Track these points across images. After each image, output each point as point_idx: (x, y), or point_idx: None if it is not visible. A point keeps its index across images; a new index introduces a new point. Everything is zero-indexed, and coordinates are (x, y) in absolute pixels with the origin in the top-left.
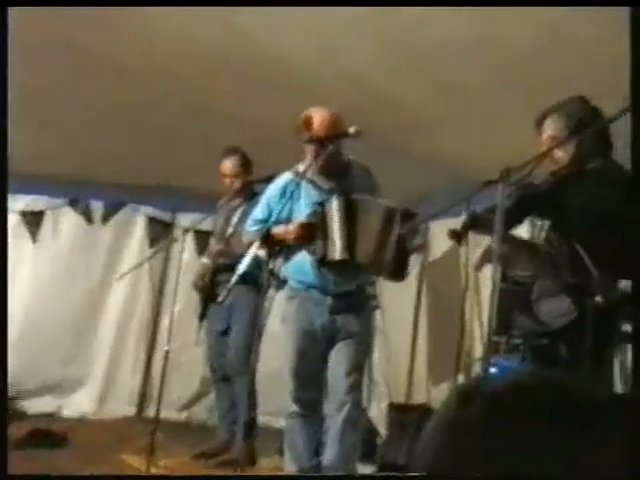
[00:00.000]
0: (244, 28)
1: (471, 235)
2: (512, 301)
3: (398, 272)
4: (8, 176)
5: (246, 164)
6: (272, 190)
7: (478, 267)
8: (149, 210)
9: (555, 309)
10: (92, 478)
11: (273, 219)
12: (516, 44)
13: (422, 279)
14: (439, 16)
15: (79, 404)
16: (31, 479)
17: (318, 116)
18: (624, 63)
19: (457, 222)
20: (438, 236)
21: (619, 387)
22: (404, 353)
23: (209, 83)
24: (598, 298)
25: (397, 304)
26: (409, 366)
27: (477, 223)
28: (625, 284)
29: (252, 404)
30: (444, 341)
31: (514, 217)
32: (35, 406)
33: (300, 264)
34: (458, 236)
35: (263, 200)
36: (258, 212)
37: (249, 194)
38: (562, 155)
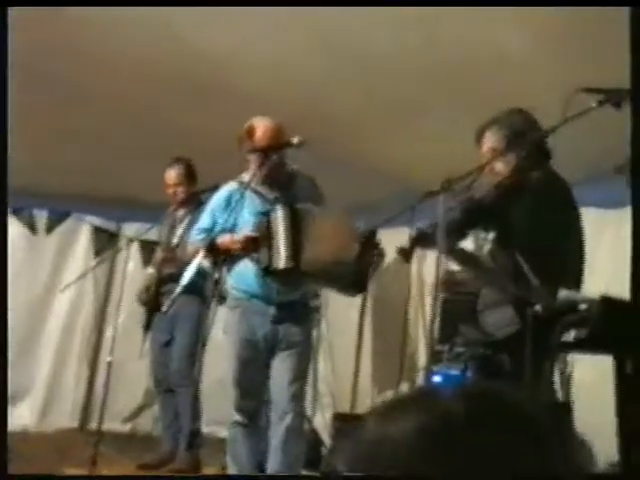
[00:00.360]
0: (187, 37)
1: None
2: (456, 311)
3: (357, 285)
4: (7, 178)
5: (190, 173)
6: (217, 199)
7: (408, 253)
8: (94, 220)
9: (499, 320)
10: (92, 478)
11: (218, 228)
12: (459, 59)
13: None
14: (386, 30)
15: (20, 417)
16: (31, 479)
17: (261, 126)
18: (561, 79)
19: (402, 231)
20: (384, 246)
21: (560, 395)
22: (349, 363)
23: (153, 93)
24: (538, 308)
25: (342, 313)
26: (354, 375)
27: (424, 239)
28: (564, 294)
29: (196, 414)
30: (389, 350)
31: (459, 230)
32: None
33: (244, 274)
34: (406, 253)
35: (208, 209)
36: (203, 221)
37: (195, 204)
38: (502, 167)
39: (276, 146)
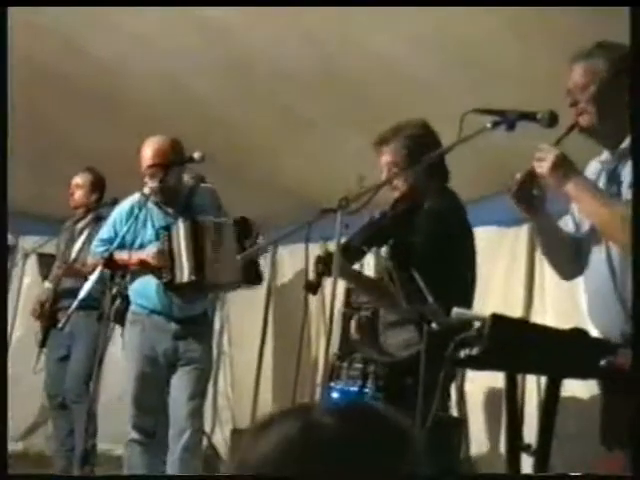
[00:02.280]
0: (88, 50)
1: None
2: (357, 328)
3: (253, 278)
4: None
5: (96, 182)
6: (119, 211)
7: (314, 286)
8: None
9: (401, 341)
10: (92, 478)
11: (119, 240)
12: (351, 73)
13: (268, 304)
14: (283, 49)
15: None
16: (31, 479)
17: (147, 146)
18: (456, 97)
19: (299, 247)
20: (284, 261)
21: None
22: (249, 378)
23: (53, 105)
24: (434, 325)
25: (244, 329)
26: (254, 390)
27: (327, 269)
28: (457, 311)
29: (91, 432)
30: (290, 366)
31: (358, 249)
32: None
33: (143, 288)
34: (312, 286)
35: (110, 220)
36: (104, 232)
37: (94, 217)
38: (401, 183)
39: (165, 163)
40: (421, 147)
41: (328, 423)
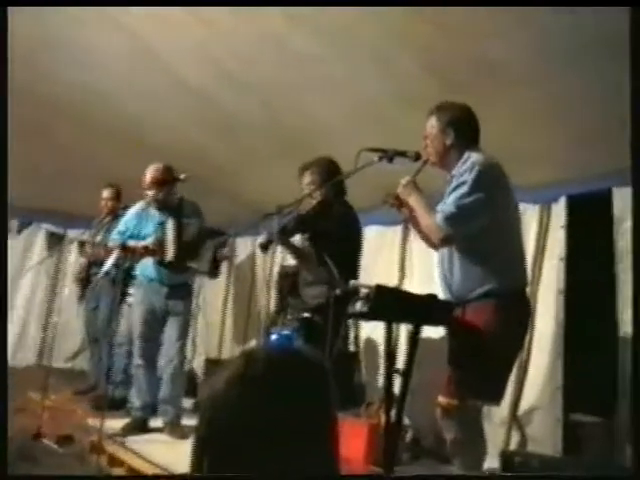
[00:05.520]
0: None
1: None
2: (287, 288)
3: (213, 272)
4: (8, 180)
5: (117, 194)
6: (129, 214)
7: (265, 247)
8: (48, 227)
9: (314, 294)
10: (92, 478)
11: (129, 233)
12: (288, 125)
13: (230, 275)
14: (246, 102)
15: None
16: (31, 479)
17: (148, 171)
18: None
19: (251, 238)
20: (240, 248)
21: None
22: (217, 325)
23: (88, 141)
24: (337, 291)
25: (213, 292)
26: (219, 333)
27: (272, 238)
28: (353, 282)
29: (112, 357)
30: (243, 316)
31: (290, 232)
32: None
33: (146, 265)
34: (264, 247)
35: (123, 219)
36: (119, 227)
37: (113, 217)
38: (317, 195)
39: (160, 183)
40: (327, 174)
41: (263, 360)
